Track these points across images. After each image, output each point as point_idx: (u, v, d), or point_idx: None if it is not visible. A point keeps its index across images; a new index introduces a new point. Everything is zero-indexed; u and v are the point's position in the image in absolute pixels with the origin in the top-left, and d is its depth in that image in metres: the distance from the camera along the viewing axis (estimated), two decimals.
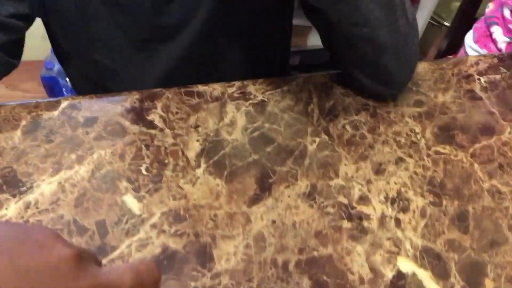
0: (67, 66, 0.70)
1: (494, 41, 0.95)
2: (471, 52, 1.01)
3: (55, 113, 0.54)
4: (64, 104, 0.55)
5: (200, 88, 0.58)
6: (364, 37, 0.50)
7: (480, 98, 0.60)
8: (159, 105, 0.56)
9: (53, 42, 0.66)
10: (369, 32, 0.49)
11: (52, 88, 1.42)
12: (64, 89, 1.41)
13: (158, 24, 0.57)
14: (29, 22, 0.54)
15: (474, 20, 1.36)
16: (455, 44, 1.43)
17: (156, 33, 0.58)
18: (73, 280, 0.24)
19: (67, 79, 1.36)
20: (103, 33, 0.57)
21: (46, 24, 0.62)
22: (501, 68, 0.65)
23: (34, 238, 0.25)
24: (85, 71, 0.66)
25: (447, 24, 1.75)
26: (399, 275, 0.44)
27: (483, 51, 0.97)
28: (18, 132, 0.51)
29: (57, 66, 1.40)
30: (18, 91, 1.70)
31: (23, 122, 0.52)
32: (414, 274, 0.44)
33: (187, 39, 0.59)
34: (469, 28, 1.08)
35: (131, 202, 0.47)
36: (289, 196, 0.49)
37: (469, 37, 1.01)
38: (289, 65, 0.82)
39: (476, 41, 0.99)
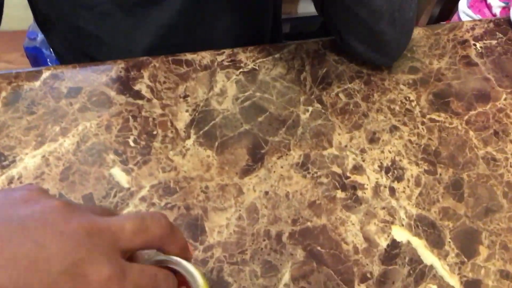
0: (50, 35, 0.67)
1: (488, 6, 0.93)
2: (464, 18, 0.99)
3: (37, 83, 0.51)
4: (45, 74, 0.52)
5: (189, 56, 0.56)
6: (360, 2, 0.48)
7: (476, 64, 0.59)
8: (146, 74, 0.53)
9: (34, 8, 0.63)
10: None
11: (36, 58, 1.37)
12: (48, 59, 1.36)
13: None
14: None
15: None
16: (447, 10, 1.41)
17: None
18: (63, 223, 0.22)
19: (51, 49, 1.32)
20: None
21: None
22: (497, 33, 0.63)
23: (17, 195, 0.24)
24: (69, 39, 0.63)
25: None
26: (394, 244, 0.43)
27: (477, 17, 0.95)
28: None
29: (40, 36, 1.35)
30: (1, 63, 1.65)
31: (3, 94, 0.50)
32: (408, 243, 0.43)
33: (177, 3, 0.56)
34: None
35: (119, 175, 0.45)
36: (282, 167, 0.48)
37: (462, 3, 0.99)
38: (281, 34, 0.80)
39: (470, 6, 0.97)
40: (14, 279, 0.20)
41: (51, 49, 1.33)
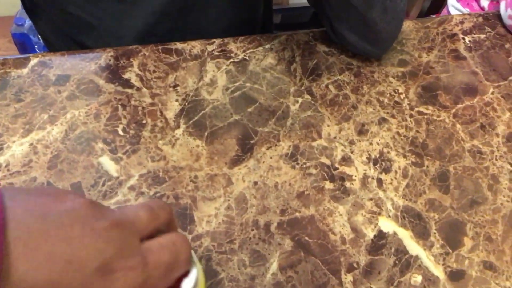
0: (37, 21, 0.66)
1: (477, 0, 0.93)
2: (453, 12, 0.99)
3: (24, 70, 0.51)
4: (33, 61, 0.52)
5: (179, 45, 0.55)
6: None
7: (464, 58, 0.60)
8: (135, 63, 0.53)
9: None
10: None
11: (24, 45, 1.35)
12: (36, 46, 1.35)
13: None
14: None
15: None
16: (437, 3, 1.41)
17: None
18: (93, 220, 0.23)
19: (39, 35, 1.30)
20: None
21: None
22: (486, 27, 0.64)
23: (47, 192, 0.24)
24: (57, 25, 0.62)
25: None
26: (380, 235, 0.44)
27: (466, 10, 0.96)
28: None
29: (28, 22, 1.33)
30: None
31: None
32: (394, 234, 0.44)
33: None
34: None
35: (107, 163, 0.45)
36: (271, 157, 0.48)
37: None
38: (272, 24, 0.79)
39: (458, 0, 0.98)
40: (51, 279, 0.20)
41: (39, 36, 1.31)
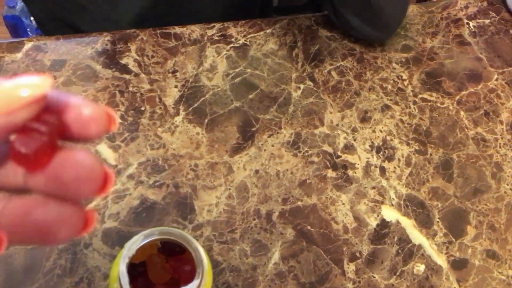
0: (30, 3, 0.64)
1: None
2: None
3: (18, 55, 0.49)
4: (28, 45, 0.50)
5: (177, 29, 0.54)
6: None
7: (469, 44, 0.58)
8: (133, 47, 0.52)
9: None
10: None
11: (16, 28, 1.32)
12: (28, 29, 1.32)
13: None
14: None
15: None
16: None
17: None
18: None
19: (32, 18, 1.27)
20: None
21: None
22: (490, 12, 0.62)
23: None
24: (50, 7, 0.60)
25: None
26: (383, 224, 0.43)
27: None
28: None
29: (20, 4, 1.30)
30: None
31: None
32: (397, 223, 0.44)
33: None
34: None
35: (105, 152, 0.44)
36: (272, 145, 0.47)
37: None
38: (271, 8, 0.78)
39: None
40: None
41: (32, 18, 1.28)
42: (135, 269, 0.31)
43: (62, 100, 0.16)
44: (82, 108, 0.16)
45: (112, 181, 0.17)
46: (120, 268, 0.28)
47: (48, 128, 0.15)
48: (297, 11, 0.84)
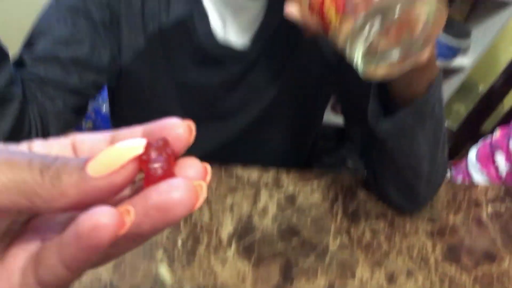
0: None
1: (496, 168, 1.02)
2: (472, 168, 1.08)
3: None
4: None
5: (239, 170, 0.62)
6: (408, 166, 0.56)
7: (486, 225, 0.66)
8: None
9: (114, 105, 0.70)
10: (413, 162, 0.55)
11: None
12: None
13: (218, 106, 0.62)
14: (101, 89, 0.58)
15: (478, 130, 1.47)
16: (457, 149, 1.53)
17: (213, 113, 0.63)
18: None
19: None
20: (163, 106, 0.62)
21: (110, 88, 0.67)
22: (506, 199, 0.71)
23: None
24: None
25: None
26: None
27: (483, 172, 1.04)
28: None
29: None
30: None
31: None
32: None
33: (240, 122, 0.64)
34: (473, 137, 1.15)
35: (165, 273, 0.50)
36: None
37: (472, 155, 1.09)
38: (318, 149, 0.88)
39: (478, 160, 1.07)
40: None
41: None
42: None
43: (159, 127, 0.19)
44: (176, 127, 0.19)
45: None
46: None
47: (165, 156, 0.17)
48: (327, 153, 0.93)
